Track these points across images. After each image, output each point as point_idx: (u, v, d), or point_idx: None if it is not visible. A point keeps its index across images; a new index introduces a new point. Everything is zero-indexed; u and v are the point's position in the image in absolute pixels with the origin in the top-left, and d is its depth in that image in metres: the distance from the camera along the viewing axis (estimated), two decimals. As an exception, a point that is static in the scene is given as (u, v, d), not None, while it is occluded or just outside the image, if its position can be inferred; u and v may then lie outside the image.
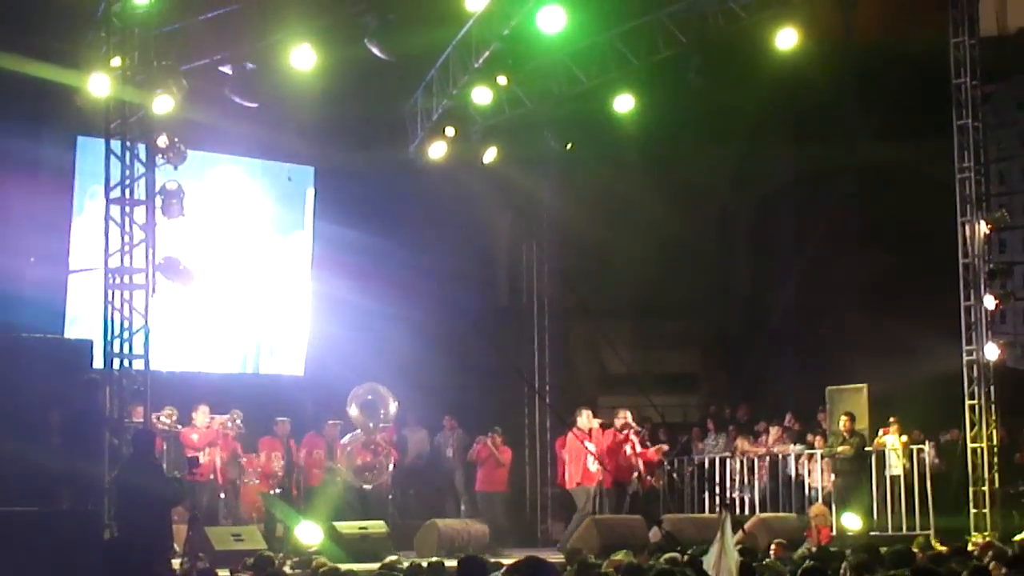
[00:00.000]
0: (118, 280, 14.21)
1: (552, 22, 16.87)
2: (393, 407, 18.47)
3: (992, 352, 18.33)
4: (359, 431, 18.29)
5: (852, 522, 18.30)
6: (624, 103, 19.33)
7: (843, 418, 19.01)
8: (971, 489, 18.14)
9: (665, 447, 20.02)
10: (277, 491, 17.53)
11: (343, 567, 11.56)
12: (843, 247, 22.99)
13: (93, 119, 15.80)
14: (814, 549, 14.84)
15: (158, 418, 15.91)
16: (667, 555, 10.66)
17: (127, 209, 14.25)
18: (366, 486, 18.26)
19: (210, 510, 17.09)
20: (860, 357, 21.48)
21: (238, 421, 17.64)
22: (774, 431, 20.40)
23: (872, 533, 17.78)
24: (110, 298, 14.16)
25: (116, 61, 14.47)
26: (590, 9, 17.42)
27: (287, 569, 13.41)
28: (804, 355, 22.43)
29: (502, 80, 18.46)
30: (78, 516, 11.48)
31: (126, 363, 14.10)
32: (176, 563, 13.42)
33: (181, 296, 15.67)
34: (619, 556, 11.47)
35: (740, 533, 13.02)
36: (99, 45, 14.95)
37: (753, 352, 22.87)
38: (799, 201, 23.49)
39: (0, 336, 12.47)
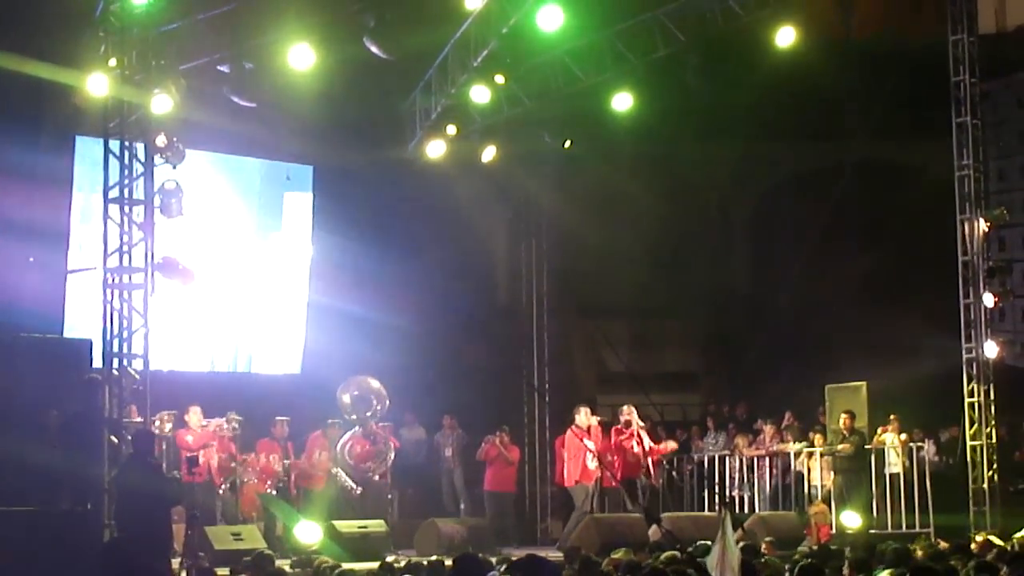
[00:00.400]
0: (117, 280, 14.19)
1: (550, 20, 16.89)
2: (384, 402, 18.31)
3: (991, 350, 18.35)
4: (357, 428, 18.21)
5: (852, 520, 18.29)
6: (623, 101, 19.30)
7: (843, 416, 18.99)
8: (971, 487, 18.17)
9: (674, 444, 19.88)
10: (273, 492, 17.51)
11: (343, 566, 11.53)
12: (842, 245, 23.00)
13: (91, 119, 15.82)
14: (814, 547, 14.86)
15: (154, 423, 15.86)
16: (666, 553, 10.64)
17: (126, 208, 14.23)
18: (372, 477, 18.11)
19: (208, 510, 17.06)
20: (859, 355, 21.43)
21: (234, 424, 17.56)
22: (769, 428, 20.35)
23: (872, 531, 17.76)
24: (109, 298, 14.14)
25: (114, 61, 14.43)
26: (588, 7, 17.42)
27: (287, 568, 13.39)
28: (803, 353, 22.39)
29: (500, 79, 18.46)
30: (78, 516, 11.49)
31: (125, 363, 14.08)
32: (176, 562, 13.41)
33: (177, 295, 15.65)
34: (619, 554, 11.46)
35: (739, 531, 12.99)
36: (97, 44, 14.88)
37: (752, 350, 22.89)
38: (798, 199, 23.49)
39: (-1, 336, 12.50)
